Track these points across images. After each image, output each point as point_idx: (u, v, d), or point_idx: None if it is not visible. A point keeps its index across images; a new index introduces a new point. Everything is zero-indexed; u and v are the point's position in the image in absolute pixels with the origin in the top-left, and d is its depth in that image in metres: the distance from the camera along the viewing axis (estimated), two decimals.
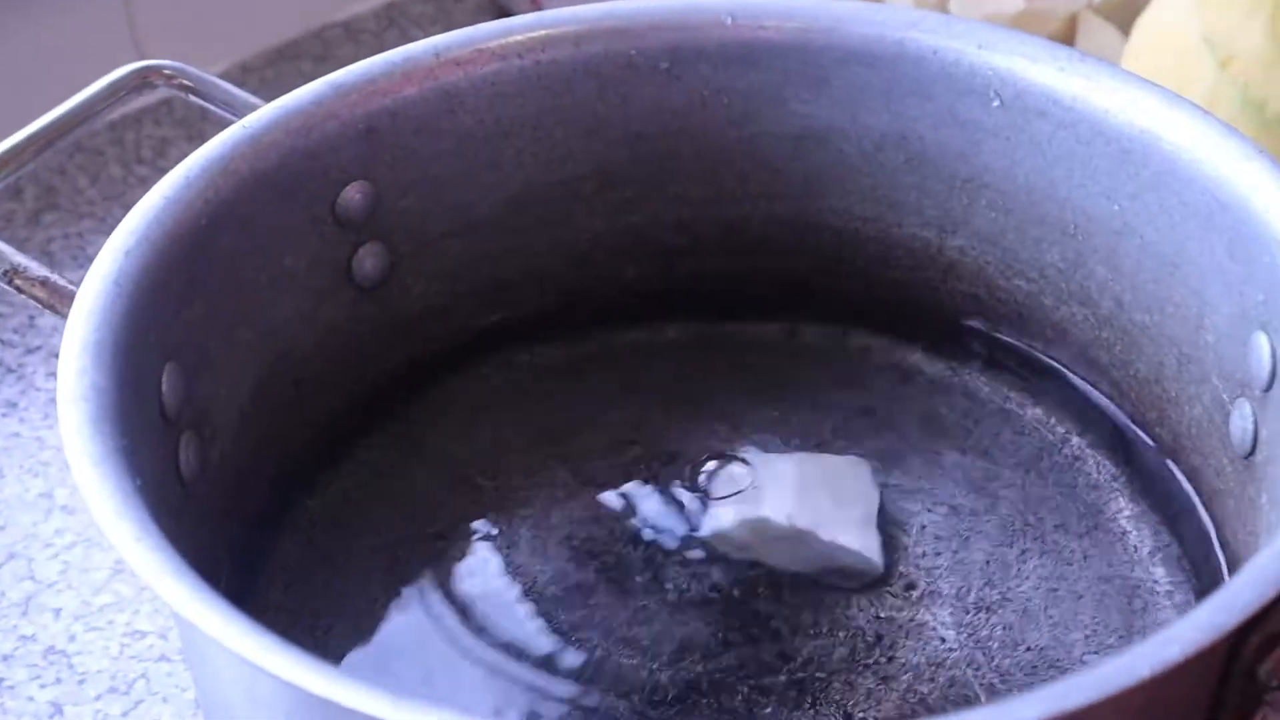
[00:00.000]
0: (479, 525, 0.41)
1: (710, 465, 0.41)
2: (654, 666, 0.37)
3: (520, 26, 0.43)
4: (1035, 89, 0.40)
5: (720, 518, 0.40)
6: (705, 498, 0.41)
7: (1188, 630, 0.25)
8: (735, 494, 0.40)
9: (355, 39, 0.67)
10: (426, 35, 0.61)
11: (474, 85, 0.42)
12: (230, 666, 0.29)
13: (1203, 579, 0.38)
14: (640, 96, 0.44)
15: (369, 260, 0.43)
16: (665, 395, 0.44)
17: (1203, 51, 0.52)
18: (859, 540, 0.39)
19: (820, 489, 0.40)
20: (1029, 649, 0.37)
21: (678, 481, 0.41)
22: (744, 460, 0.42)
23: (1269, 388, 0.35)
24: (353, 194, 0.41)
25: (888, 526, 0.40)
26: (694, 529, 0.40)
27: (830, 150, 0.44)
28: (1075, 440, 0.42)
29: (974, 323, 0.45)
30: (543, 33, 0.43)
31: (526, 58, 0.43)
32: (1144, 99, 0.39)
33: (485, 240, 0.45)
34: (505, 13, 0.67)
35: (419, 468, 0.43)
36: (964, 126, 0.42)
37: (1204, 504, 0.39)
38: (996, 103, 0.41)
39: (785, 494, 0.40)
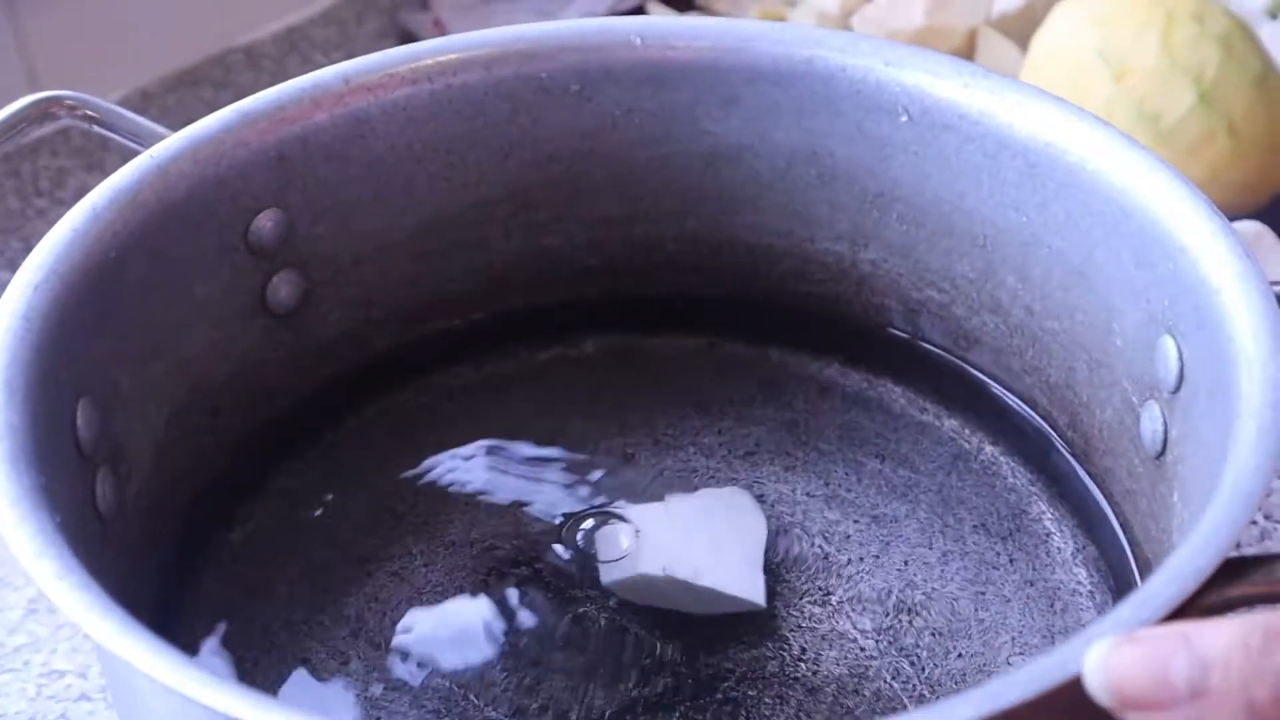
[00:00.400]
0: (402, 551, 0.41)
1: (588, 524, 0.41)
2: (585, 693, 0.37)
3: (430, 51, 0.43)
4: (941, 104, 0.41)
5: (607, 572, 0.39)
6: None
7: (1114, 628, 0.26)
8: (619, 557, 0.39)
9: (256, 65, 0.66)
10: (328, 60, 0.61)
11: (384, 110, 0.42)
12: (162, 702, 0.28)
13: (1118, 579, 0.39)
14: (552, 118, 0.44)
15: (283, 288, 0.42)
16: (584, 413, 0.45)
17: (1098, 66, 0.53)
18: (739, 582, 0.38)
19: (700, 531, 0.39)
20: (960, 655, 0.38)
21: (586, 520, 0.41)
22: (621, 518, 0.41)
23: (1177, 390, 0.36)
24: (264, 222, 0.41)
25: (811, 537, 0.40)
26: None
27: (742, 168, 0.45)
28: (990, 448, 0.43)
29: (891, 333, 0.45)
30: (453, 56, 0.43)
31: (437, 81, 0.43)
32: (1048, 112, 0.40)
33: (400, 265, 0.45)
34: (409, 37, 0.66)
35: (339, 495, 0.42)
36: (873, 142, 0.43)
37: (1114, 505, 0.40)
38: (904, 118, 0.42)
39: (662, 543, 0.38)
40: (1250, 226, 0.51)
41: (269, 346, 0.42)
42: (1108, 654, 0.25)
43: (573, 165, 0.45)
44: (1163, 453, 0.37)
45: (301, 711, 0.26)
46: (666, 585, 0.38)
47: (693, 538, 0.38)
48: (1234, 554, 0.28)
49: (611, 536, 0.40)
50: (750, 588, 0.38)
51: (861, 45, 0.42)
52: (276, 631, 0.39)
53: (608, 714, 0.36)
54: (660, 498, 0.41)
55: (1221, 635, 0.24)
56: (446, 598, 0.39)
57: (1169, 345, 0.36)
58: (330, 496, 0.42)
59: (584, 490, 0.42)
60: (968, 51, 0.61)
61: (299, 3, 0.69)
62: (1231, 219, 0.52)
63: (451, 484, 0.42)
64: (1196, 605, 0.28)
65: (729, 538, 0.39)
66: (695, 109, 0.44)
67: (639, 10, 0.65)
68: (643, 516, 0.40)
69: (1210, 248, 0.35)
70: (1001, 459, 0.43)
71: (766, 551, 0.39)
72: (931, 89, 0.41)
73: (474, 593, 0.39)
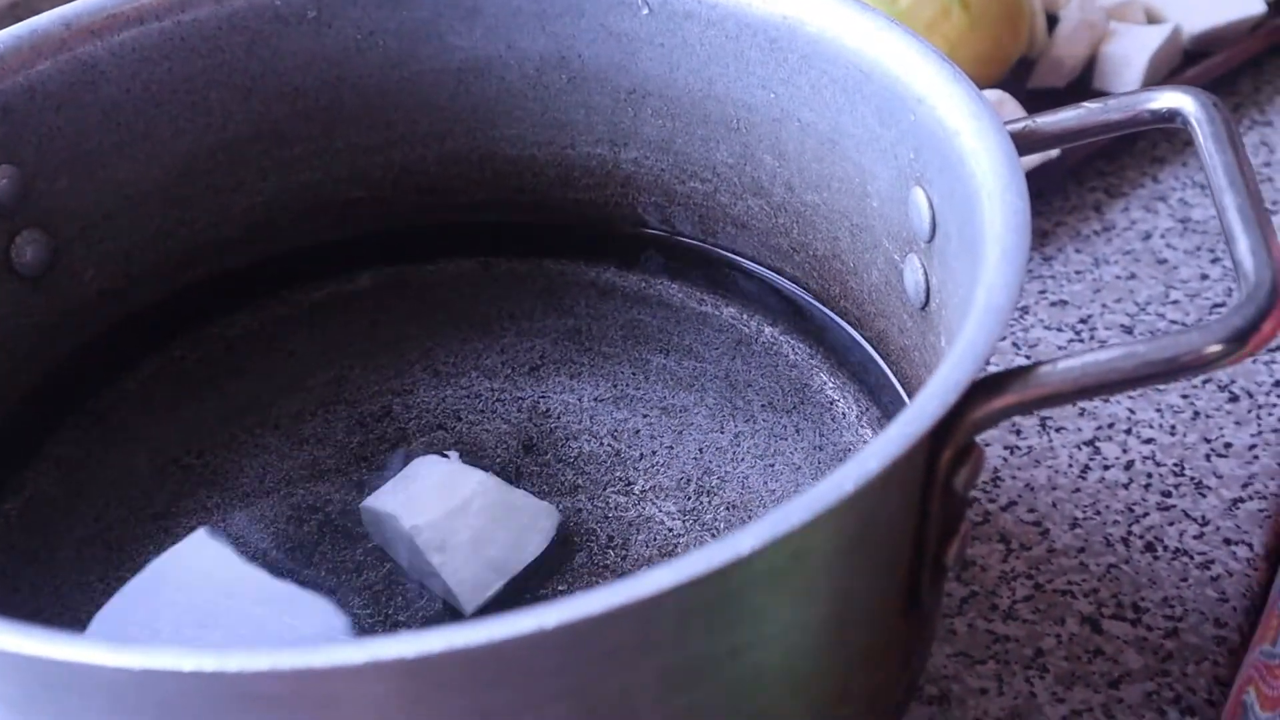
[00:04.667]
0: (195, 503, 0.39)
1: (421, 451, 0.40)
2: (389, 610, 0.36)
3: None
4: None
5: (371, 498, 0.38)
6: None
7: (884, 445, 0.26)
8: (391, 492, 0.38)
9: None
10: None
11: (113, 53, 0.41)
12: None
13: None
14: (292, 49, 0.43)
15: (28, 249, 0.40)
16: (365, 347, 0.44)
17: None
18: (466, 579, 0.36)
19: (480, 516, 0.37)
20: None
21: (383, 443, 0.41)
22: (446, 455, 0.40)
23: (931, 238, 0.37)
24: None
25: (600, 438, 0.40)
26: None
27: (493, 80, 0.44)
28: (769, 329, 0.44)
29: (660, 231, 0.46)
30: None
31: (166, 19, 0.41)
32: None
33: (154, 215, 0.43)
34: None
35: (121, 456, 0.41)
36: (619, 39, 0.43)
37: (892, 365, 0.41)
38: (645, 10, 0.42)
39: (437, 504, 0.37)
40: (992, 94, 0.53)
41: (20, 312, 0.41)
42: None
43: (321, 96, 0.44)
44: (927, 302, 0.38)
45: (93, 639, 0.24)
46: (403, 538, 0.36)
47: (467, 517, 0.37)
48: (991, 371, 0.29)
49: (406, 474, 0.39)
50: (469, 592, 0.36)
51: None
52: (68, 597, 0.37)
53: (413, 626, 0.36)
54: (447, 437, 0.41)
55: None
56: (246, 542, 0.38)
57: (919, 196, 0.37)
58: (113, 459, 0.41)
59: (368, 435, 0.41)
60: None
61: None
62: None
63: (237, 435, 0.41)
64: (963, 422, 0.29)
65: (496, 539, 0.37)
66: (438, 24, 0.43)
67: None
68: (440, 473, 0.38)
69: (945, 93, 0.36)
70: (781, 338, 0.43)
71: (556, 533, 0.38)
72: None
73: (273, 533, 0.39)
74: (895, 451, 0.26)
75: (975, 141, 0.34)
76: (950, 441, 0.29)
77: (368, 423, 0.41)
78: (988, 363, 0.30)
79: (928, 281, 0.38)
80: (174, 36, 0.41)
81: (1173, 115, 0.35)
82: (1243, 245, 0.31)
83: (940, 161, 0.36)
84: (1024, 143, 0.36)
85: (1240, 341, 0.29)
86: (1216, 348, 0.29)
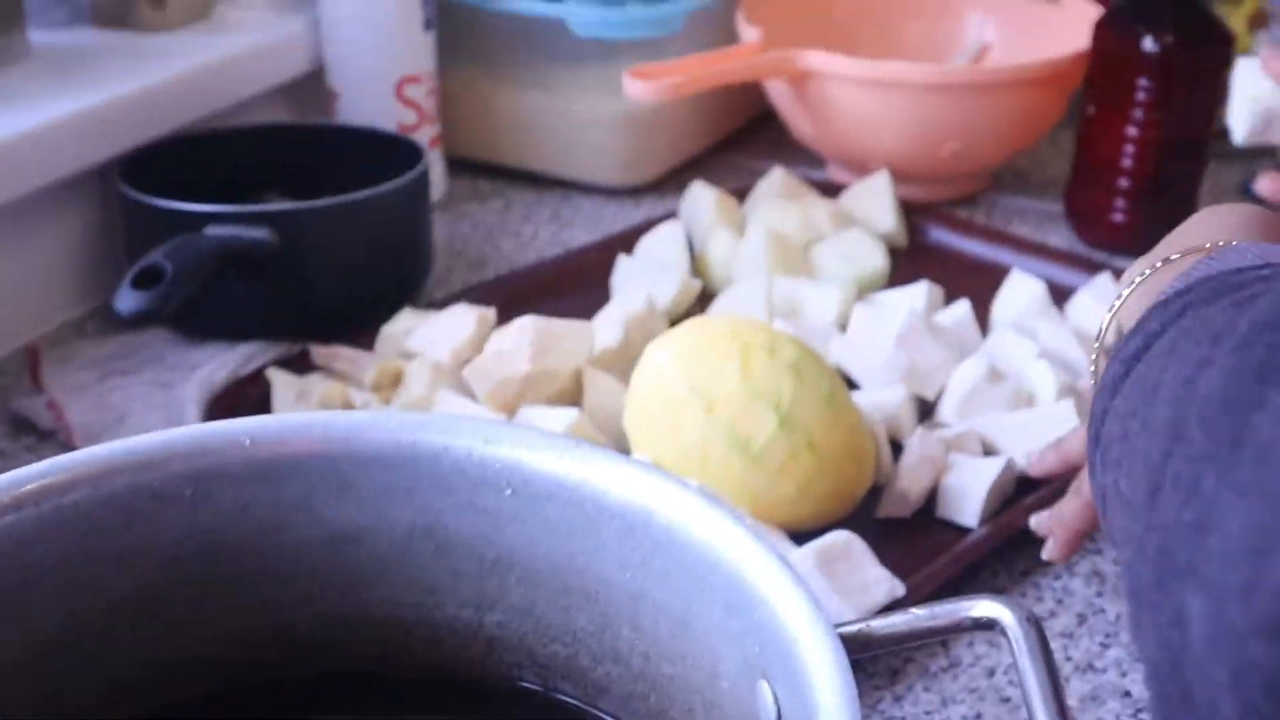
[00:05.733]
0: None
1: None
2: None
3: (34, 475, 0.43)
4: (541, 476, 0.44)
5: None
6: None
7: None
8: None
9: None
10: None
11: None
12: None
13: None
14: (168, 522, 0.45)
15: None
16: None
17: (690, 400, 0.58)
18: None
19: None
20: None
21: None
22: None
23: None
24: None
25: None
26: None
27: (364, 547, 0.46)
28: None
29: (525, 684, 0.47)
30: (60, 477, 0.43)
31: (44, 504, 0.43)
32: (636, 478, 0.43)
33: (22, 687, 0.44)
34: (22, 423, 0.66)
35: None
36: (484, 514, 0.45)
37: None
38: (509, 491, 0.45)
39: None
40: (840, 537, 0.56)
41: None
42: None
43: (196, 563, 0.46)
44: None
45: None
46: None
47: None
48: None
49: None
50: None
51: (461, 426, 0.45)
52: None
53: None
54: None
55: None
56: None
57: (765, 690, 0.39)
58: None
59: None
60: (575, 390, 0.65)
61: None
62: (822, 530, 0.57)
63: None
64: None
65: None
66: (311, 498, 0.46)
67: (260, 374, 0.67)
68: None
69: (785, 598, 0.38)
70: None
71: None
72: (530, 463, 0.44)
73: None
74: None
75: (813, 651, 0.37)
76: None
77: None
78: None
79: None
80: (52, 519, 0.43)
81: (991, 624, 0.38)
82: None
83: (783, 663, 0.38)
84: (857, 645, 0.39)
85: None
86: None
